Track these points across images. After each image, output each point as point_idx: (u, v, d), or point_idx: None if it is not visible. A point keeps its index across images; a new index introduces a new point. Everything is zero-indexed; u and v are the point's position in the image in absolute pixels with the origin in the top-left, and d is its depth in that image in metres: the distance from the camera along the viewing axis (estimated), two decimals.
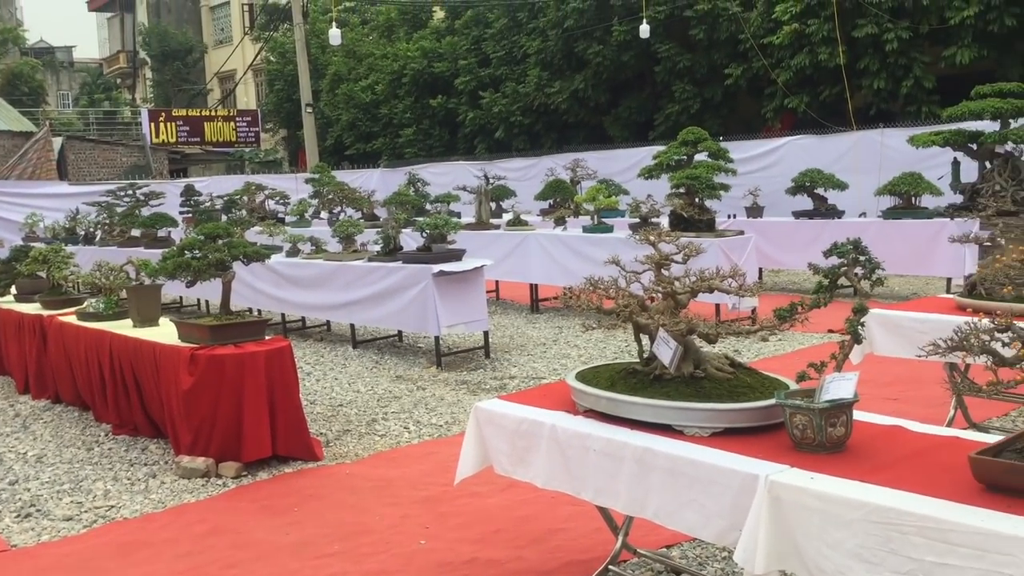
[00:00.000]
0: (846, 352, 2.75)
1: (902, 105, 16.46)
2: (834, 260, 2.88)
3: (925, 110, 15.69)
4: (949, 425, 4.69)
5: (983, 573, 2.04)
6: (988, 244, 4.65)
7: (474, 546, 3.83)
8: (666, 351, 3.08)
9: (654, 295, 3.33)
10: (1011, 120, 9.83)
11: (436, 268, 7.52)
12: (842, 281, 3.06)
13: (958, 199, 10.04)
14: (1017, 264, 2.37)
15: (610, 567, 3.36)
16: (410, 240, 9.82)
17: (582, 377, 3.26)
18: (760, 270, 11.28)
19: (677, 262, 3.42)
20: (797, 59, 17.11)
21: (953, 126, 10.65)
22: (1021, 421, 5.27)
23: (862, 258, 2.82)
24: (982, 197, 9.14)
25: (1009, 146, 9.73)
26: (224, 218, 13.52)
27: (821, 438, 2.60)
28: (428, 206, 13.06)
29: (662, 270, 3.39)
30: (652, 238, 3.49)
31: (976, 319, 2.44)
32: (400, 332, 9.14)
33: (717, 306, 8.72)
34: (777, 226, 11.27)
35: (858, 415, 2.82)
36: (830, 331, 7.72)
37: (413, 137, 26.47)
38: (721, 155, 10.76)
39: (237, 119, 30.94)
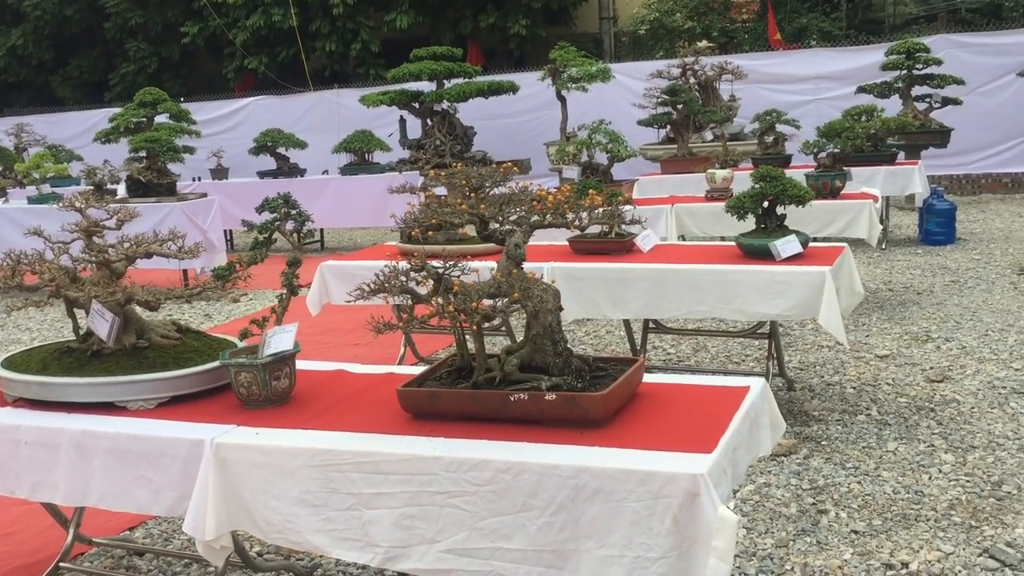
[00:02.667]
0: (284, 305, 2.81)
1: (353, 66, 17.27)
2: (267, 215, 2.91)
3: (373, 72, 16.62)
4: (400, 363, 5.08)
5: (412, 495, 2.22)
6: (422, 191, 5.06)
7: None
8: (102, 324, 2.88)
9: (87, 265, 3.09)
10: (445, 80, 10.86)
11: None
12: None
13: (406, 154, 10.86)
14: (423, 208, 2.58)
15: (61, 564, 3.09)
16: None
17: (10, 363, 2.92)
18: (230, 231, 11.16)
19: (110, 228, 3.20)
20: (252, 19, 17.03)
21: (398, 87, 11.46)
22: None
23: (293, 212, 2.88)
24: (425, 151, 10.03)
25: (445, 104, 10.76)
26: None
27: (267, 392, 2.63)
28: None
29: (94, 238, 3.15)
30: (79, 204, 3.22)
31: (396, 261, 2.62)
32: None
33: (185, 272, 8.45)
34: (243, 187, 11.19)
35: (304, 364, 2.90)
36: (300, 285, 7.90)
37: None
38: (183, 116, 10.44)
39: None
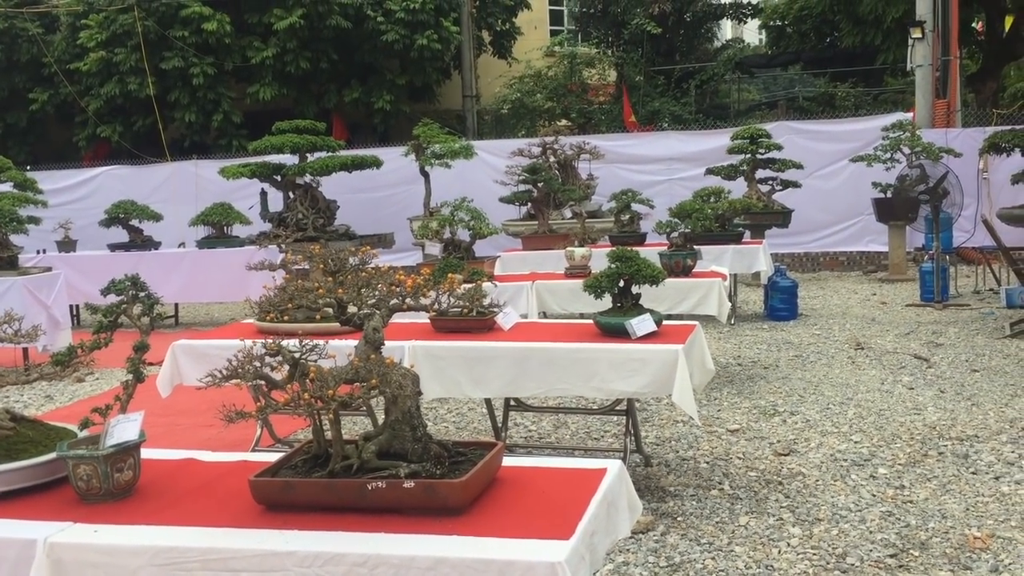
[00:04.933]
0: (130, 392, 2.68)
1: (214, 137, 16.99)
2: (113, 298, 2.80)
3: (235, 143, 16.39)
4: (257, 444, 4.92)
5: None
6: (282, 268, 4.97)
7: None
8: None
9: None
10: (308, 153, 10.80)
11: None
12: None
13: (268, 227, 10.68)
14: (281, 290, 2.54)
15: None
16: None
17: None
18: (76, 307, 10.65)
19: None
20: (107, 87, 16.57)
21: (260, 159, 11.31)
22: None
23: (142, 294, 2.78)
24: (288, 225, 9.90)
25: (308, 177, 10.68)
26: None
27: (108, 485, 2.49)
28: None
29: None
30: None
31: (252, 344, 2.55)
32: None
33: (25, 350, 7.96)
34: (93, 260, 10.74)
35: (151, 453, 2.77)
36: (150, 363, 7.59)
37: None
38: (28, 185, 10.03)
39: None
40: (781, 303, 9.06)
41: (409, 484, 2.28)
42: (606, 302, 4.61)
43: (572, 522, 2.20)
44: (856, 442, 5.10)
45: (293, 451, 2.63)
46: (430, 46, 16.23)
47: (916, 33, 13.13)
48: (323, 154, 11.34)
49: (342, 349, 3.04)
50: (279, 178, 11.00)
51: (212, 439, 5.55)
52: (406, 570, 2.06)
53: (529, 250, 8.93)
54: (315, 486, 2.35)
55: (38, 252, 10.97)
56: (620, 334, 4.30)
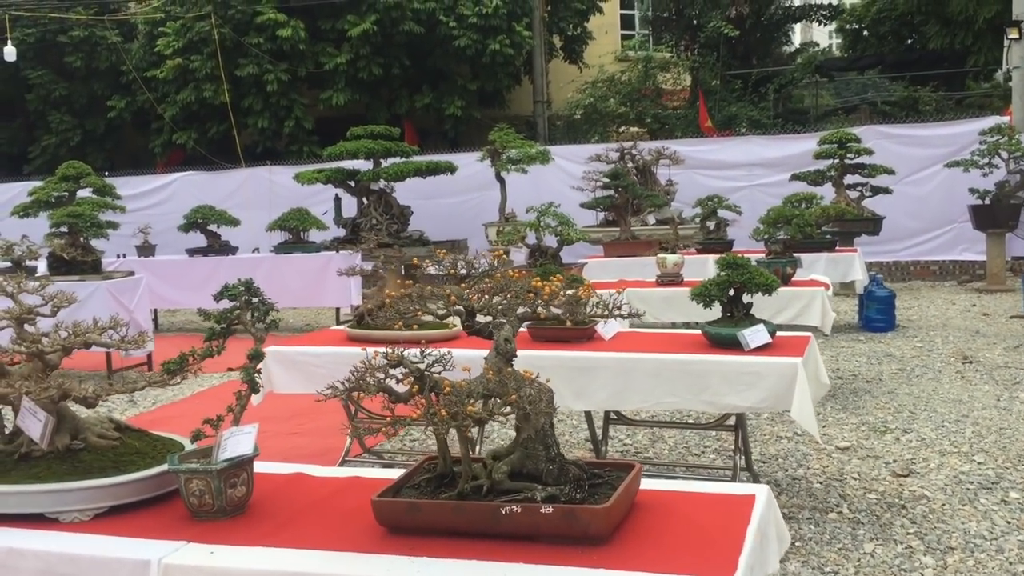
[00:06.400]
0: (244, 404, 2.54)
1: (286, 143, 17.07)
2: (226, 303, 2.65)
3: (307, 149, 16.45)
4: (346, 455, 4.78)
5: None
6: (370, 274, 4.86)
7: None
8: (34, 424, 2.57)
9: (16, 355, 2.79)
10: (382, 159, 10.71)
11: None
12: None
13: (341, 233, 10.62)
14: (405, 299, 2.37)
15: None
16: None
17: None
18: (155, 311, 10.71)
19: (45, 315, 2.90)
20: (183, 94, 16.77)
21: (334, 164, 11.27)
22: (409, 440, 5.59)
23: (255, 300, 2.63)
24: (362, 230, 9.82)
25: (382, 183, 10.58)
26: None
27: (221, 502, 2.35)
28: None
29: (25, 326, 2.85)
30: (11, 288, 2.92)
31: (372, 355, 2.38)
32: None
33: (108, 354, 8.00)
34: (171, 264, 10.81)
35: (259, 467, 2.63)
36: (229, 369, 7.55)
37: None
38: (107, 191, 10.10)
39: None
40: (878, 313, 8.67)
41: (547, 509, 2.08)
42: (694, 308, 4.39)
43: (732, 557, 1.99)
44: (980, 463, 4.77)
45: (412, 469, 2.45)
46: (502, 51, 16.10)
47: (1013, 33, 12.59)
48: (397, 159, 11.26)
49: (461, 361, 2.86)
50: (353, 183, 10.94)
51: (299, 447, 5.44)
52: None
53: (611, 257, 8.71)
54: (443, 508, 2.17)
55: (118, 256, 11.08)
56: (731, 345, 4.06)
